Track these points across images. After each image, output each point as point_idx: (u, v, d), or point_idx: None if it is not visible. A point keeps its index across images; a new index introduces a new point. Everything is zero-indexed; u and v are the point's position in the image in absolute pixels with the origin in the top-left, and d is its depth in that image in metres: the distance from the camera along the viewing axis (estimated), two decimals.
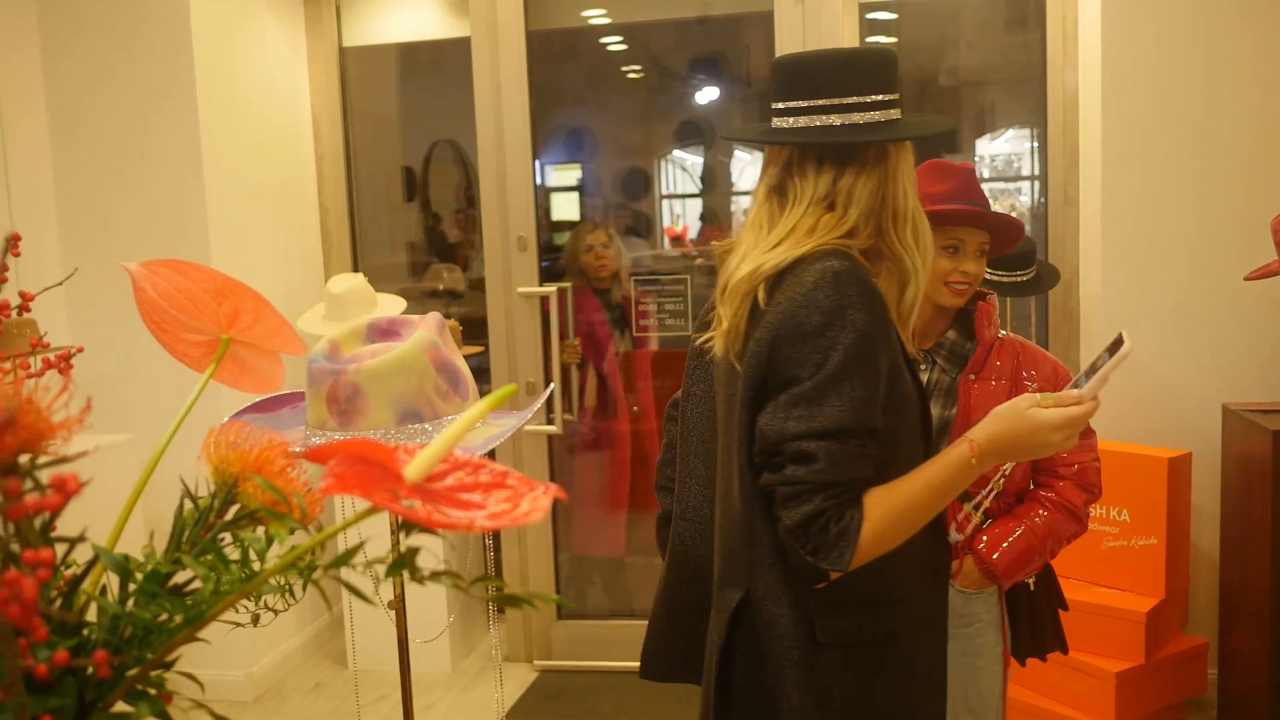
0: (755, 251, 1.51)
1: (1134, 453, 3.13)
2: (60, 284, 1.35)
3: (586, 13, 4.26)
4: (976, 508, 2.05)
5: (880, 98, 1.49)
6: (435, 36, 4.57)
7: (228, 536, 0.77)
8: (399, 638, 2.08)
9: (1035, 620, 2.15)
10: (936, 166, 2.06)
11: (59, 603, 0.71)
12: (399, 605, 2.06)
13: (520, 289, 3.85)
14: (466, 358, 1.79)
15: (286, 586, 0.77)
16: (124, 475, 3.07)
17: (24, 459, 0.61)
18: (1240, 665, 3.09)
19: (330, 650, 4.15)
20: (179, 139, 3.60)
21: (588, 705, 3.67)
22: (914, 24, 4.19)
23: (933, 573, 1.59)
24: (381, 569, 0.65)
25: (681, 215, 4.87)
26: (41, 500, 0.57)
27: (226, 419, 1.46)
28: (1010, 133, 4.48)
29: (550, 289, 3.83)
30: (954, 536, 2.02)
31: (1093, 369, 1.49)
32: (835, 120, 1.49)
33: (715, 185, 4.80)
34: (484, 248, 3.92)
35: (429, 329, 1.64)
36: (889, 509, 1.41)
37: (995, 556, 1.99)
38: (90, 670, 0.65)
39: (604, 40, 4.48)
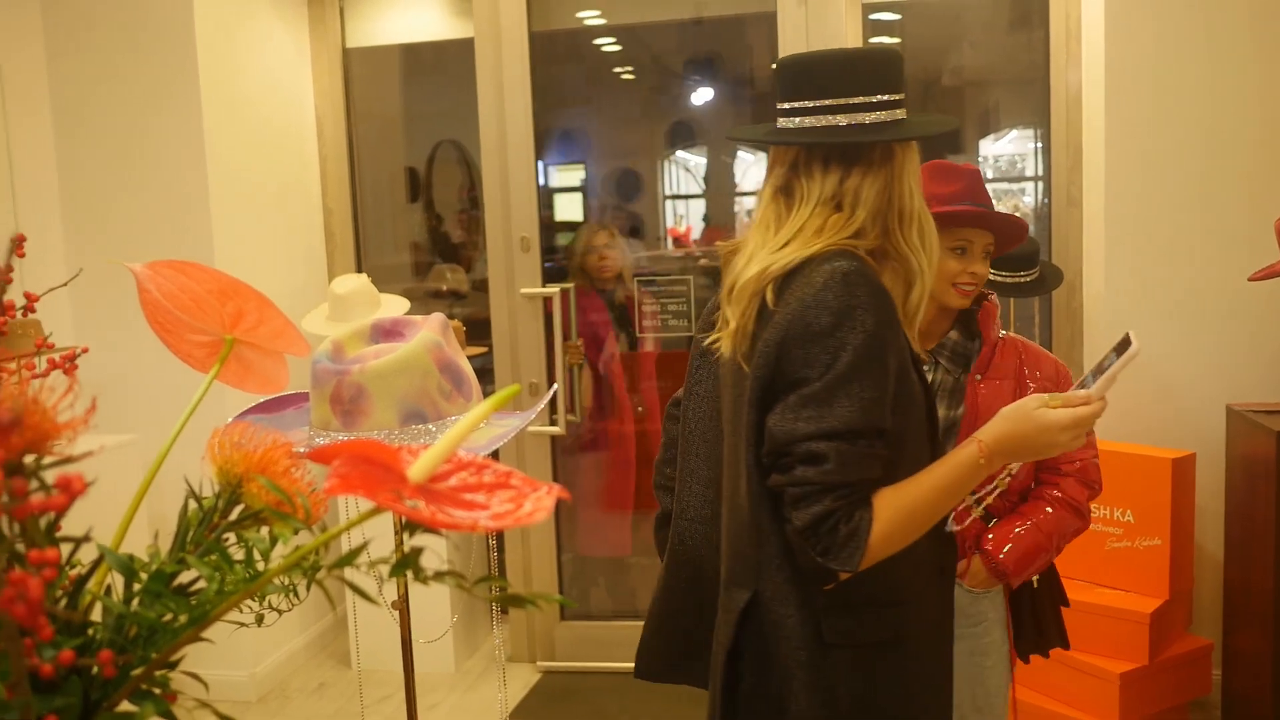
0: (763, 252, 1.51)
1: (1138, 454, 3.13)
2: (65, 285, 1.35)
3: (589, 14, 4.27)
4: (978, 502, 2.05)
5: (886, 98, 1.49)
6: (438, 37, 4.58)
7: (232, 537, 0.77)
8: (403, 638, 2.08)
9: (1039, 617, 2.16)
10: (942, 168, 2.05)
11: (64, 602, 0.71)
12: (403, 605, 2.06)
13: (523, 290, 3.85)
14: (470, 358, 1.79)
15: (290, 587, 0.78)
16: (129, 475, 3.07)
17: (29, 459, 0.61)
18: (1244, 666, 3.09)
19: (334, 650, 4.15)
20: (183, 139, 3.60)
21: (591, 706, 3.66)
22: (917, 24, 4.18)
23: (939, 573, 1.60)
24: (385, 569, 0.65)
25: (684, 216, 4.88)
26: (47, 500, 0.57)
27: (231, 419, 1.46)
28: (1013, 133, 4.48)
29: (553, 290, 3.83)
30: (951, 527, 2.02)
31: (1099, 369, 1.48)
32: (841, 120, 1.49)
33: (718, 186, 4.80)
34: (487, 248, 3.92)
35: (432, 329, 1.64)
36: (898, 509, 1.41)
37: (1003, 555, 2.00)
38: (95, 670, 0.65)
39: (606, 41, 4.48)
